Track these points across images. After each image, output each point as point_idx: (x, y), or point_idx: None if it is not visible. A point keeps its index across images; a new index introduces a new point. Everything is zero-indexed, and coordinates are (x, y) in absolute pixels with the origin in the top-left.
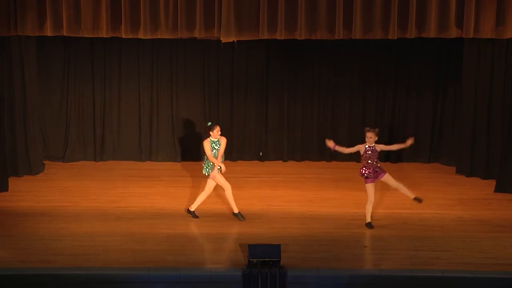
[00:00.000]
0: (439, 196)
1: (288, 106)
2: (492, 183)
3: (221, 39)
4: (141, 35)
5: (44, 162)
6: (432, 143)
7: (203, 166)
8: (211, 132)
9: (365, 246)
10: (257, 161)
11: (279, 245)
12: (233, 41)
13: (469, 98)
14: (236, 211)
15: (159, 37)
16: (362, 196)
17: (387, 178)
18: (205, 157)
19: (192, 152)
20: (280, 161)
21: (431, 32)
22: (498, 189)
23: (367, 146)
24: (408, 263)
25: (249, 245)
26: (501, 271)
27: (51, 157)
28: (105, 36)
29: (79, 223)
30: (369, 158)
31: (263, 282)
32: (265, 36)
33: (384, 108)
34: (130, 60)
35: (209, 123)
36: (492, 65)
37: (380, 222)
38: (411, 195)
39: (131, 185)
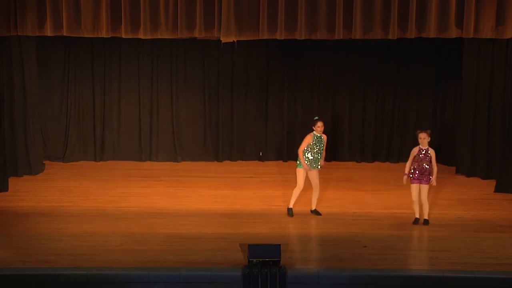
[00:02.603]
0: (439, 196)
1: (288, 106)
2: (492, 183)
3: (221, 39)
4: (141, 35)
5: (44, 162)
6: (432, 143)
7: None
8: (313, 127)
9: (365, 246)
10: (257, 161)
11: (279, 245)
12: (233, 41)
13: (469, 98)
14: (290, 206)
15: (159, 37)
16: (362, 196)
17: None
18: (308, 151)
19: (191, 151)
20: (280, 161)
21: (431, 32)
22: (498, 189)
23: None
24: (408, 263)
25: (249, 245)
26: (501, 271)
27: (51, 157)
28: (105, 36)
29: (79, 223)
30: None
31: (263, 282)
32: (265, 36)
33: (384, 108)
34: (130, 60)
35: (316, 117)
36: (492, 65)
37: (380, 222)
38: (425, 215)
39: (131, 185)
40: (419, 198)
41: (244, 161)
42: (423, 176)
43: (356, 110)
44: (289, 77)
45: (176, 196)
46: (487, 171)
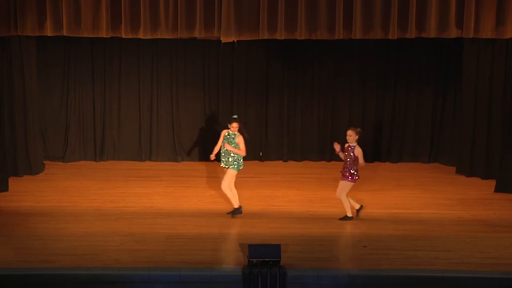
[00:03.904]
0: (439, 196)
1: (288, 106)
2: (492, 183)
3: (221, 39)
4: (141, 35)
5: (44, 162)
6: (432, 143)
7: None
8: (229, 125)
9: (365, 246)
10: (257, 161)
11: (279, 245)
12: (233, 41)
13: (469, 98)
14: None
15: (159, 37)
16: (362, 196)
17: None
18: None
19: (192, 152)
20: (280, 161)
21: (431, 32)
22: (498, 189)
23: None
24: (408, 263)
25: (249, 245)
26: (501, 271)
27: (51, 157)
28: (105, 36)
29: (79, 223)
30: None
31: (263, 282)
32: (265, 36)
33: (384, 108)
34: (130, 60)
35: (234, 116)
36: (492, 65)
37: (380, 222)
38: (349, 213)
39: (131, 185)
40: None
41: (244, 161)
42: (344, 171)
43: (356, 110)
44: (289, 77)
45: (176, 196)
46: (487, 171)
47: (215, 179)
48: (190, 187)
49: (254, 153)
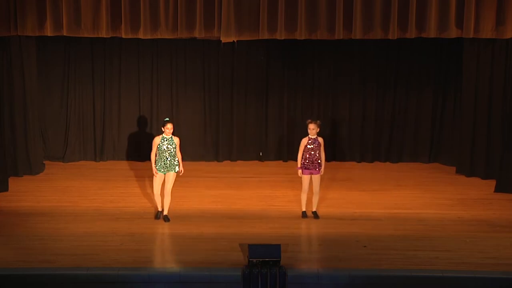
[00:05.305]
0: (439, 196)
1: (288, 106)
2: (492, 183)
3: (221, 39)
4: (141, 35)
5: (44, 162)
6: (432, 143)
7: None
8: (162, 128)
9: (365, 246)
10: (257, 161)
11: (279, 245)
12: (233, 41)
13: (469, 98)
14: (162, 211)
15: (159, 37)
16: (362, 196)
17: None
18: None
19: (191, 151)
20: (280, 161)
21: (431, 32)
22: (498, 189)
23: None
24: (408, 263)
25: (249, 245)
26: (501, 271)
27: (51, 157)
28: (105, 36)
29: (79, 223)
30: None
31: (263, 282)
32: (265, 36)
33: (384, 108)
34: (130, 60)
35: (166, 119)
36: (492, 65)
37: (380, 222)
38: (314, 207)
39: (131, 185)
40: (310, 188)
41: (244, 161)
42: (314, 165)
43: (356, 110)
44: (289, 77)
45: (176, 196)
46: (487, 171)
47: (215, 179)
48: (190, 187)
49: (254, 153)
